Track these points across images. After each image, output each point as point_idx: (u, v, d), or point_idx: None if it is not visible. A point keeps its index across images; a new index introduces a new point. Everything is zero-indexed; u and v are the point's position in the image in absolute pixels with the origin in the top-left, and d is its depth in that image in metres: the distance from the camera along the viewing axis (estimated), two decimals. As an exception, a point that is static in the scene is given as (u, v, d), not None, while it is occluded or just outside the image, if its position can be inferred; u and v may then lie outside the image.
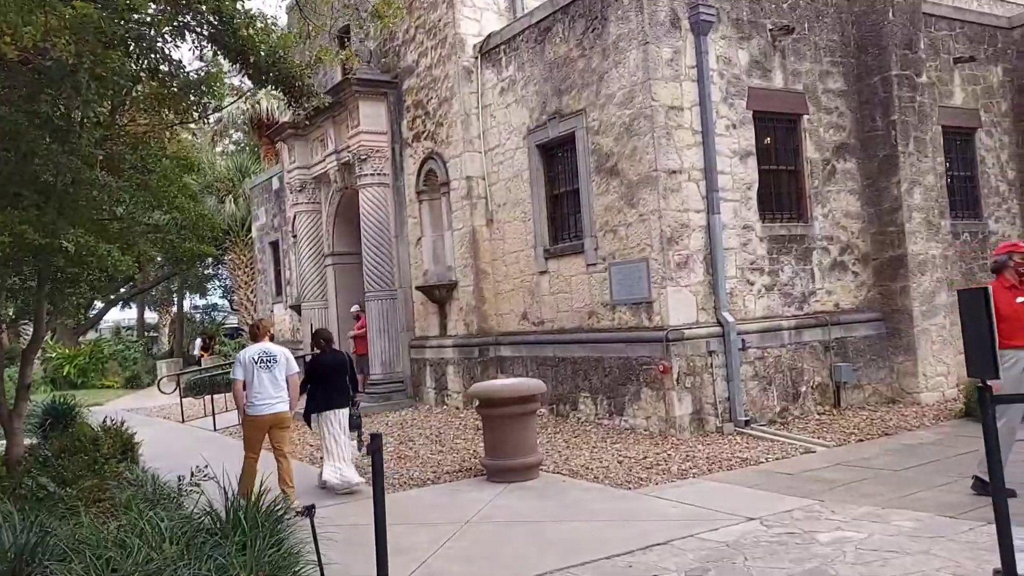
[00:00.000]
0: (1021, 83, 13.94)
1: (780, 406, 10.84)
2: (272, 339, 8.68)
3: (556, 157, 12.26)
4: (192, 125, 11.91)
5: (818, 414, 11.05)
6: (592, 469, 8.98)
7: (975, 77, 13.50)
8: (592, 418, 11.37)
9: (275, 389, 8.16)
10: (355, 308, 16.77)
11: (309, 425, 9.13)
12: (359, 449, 9.20)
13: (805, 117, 11.59)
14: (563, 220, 12.22)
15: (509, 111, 12.95)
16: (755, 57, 11.21)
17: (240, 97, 10.74)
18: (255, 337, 8.47)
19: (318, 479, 8.97)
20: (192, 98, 8.37)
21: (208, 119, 9.38)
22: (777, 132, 11.51)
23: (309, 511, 5.41)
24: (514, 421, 8.74)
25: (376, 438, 5.39)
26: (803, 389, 11.08)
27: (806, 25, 11.69)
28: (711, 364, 10.28)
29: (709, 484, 8.10)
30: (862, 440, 9.76)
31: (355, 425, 9.15)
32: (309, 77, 9.17)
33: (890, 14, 11.77)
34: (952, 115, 13.05)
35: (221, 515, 5.75)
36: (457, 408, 13.75)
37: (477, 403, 9.18)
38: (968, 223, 13.26)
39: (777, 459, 9.03)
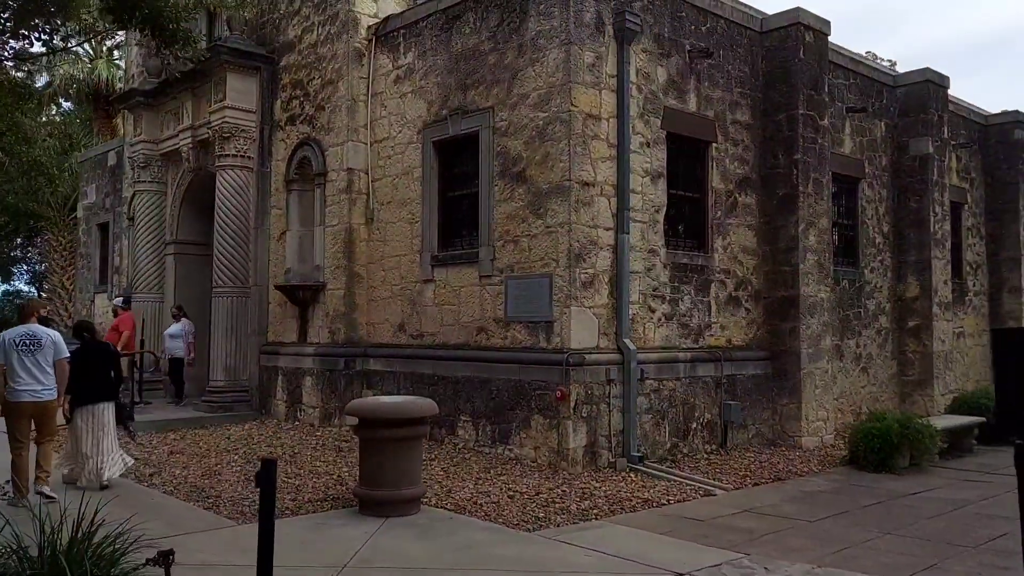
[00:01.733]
0: (900, 140, 14.39)
1: (671, 442, 10.26)
2: (44, 322, 8.15)
3: (455, 157, 11.20)
4: (29, 65, 9.93)
5: (707, 453, 10.57)
6: (481, 505, 7.96)
7: (863, 128, 13.76)
8: (472, 445, 10.32)
9: (39, 374, 7.68)
10: (117, 301, 14.84)
11: (68, 419, 8.41)
12: (132, 439, 8.98)
13: (714, 145, 11.23)
14: (456, 226, 11.15)
15: (404, 102, 11.79)
16: (672, 77, 10.72)
17: (94, 36, 8.97)
18: (23, 318, 7.96)
19: (63, 476, 8.42)
20: (37, 21, 6.75)
21: (52, 54, 7.66)
22: (686, 157, 11.05)
23: (165, 558, 4.10)
24: (399, 446, 7.56)
25: (270, 465, 4.14)
26: (693, 426, 10.57)
27: (721, 52, 11.36)
28: (609, 393, 9.54)
29: (617, 529, 7.28)
30: (757, 484, 9.36)
31: (127, 417, 8.90)
32: (185, 21, 7.73)
33: (800, 52, 11.68)
34: (841, 163, 13.18)
35: (32, 554, 4.30)
36: (312, 425, 12.28)
37: (357, 423, 7.90)
38: (847, 270, 13.39)
39: (679, 501, 8.40)
